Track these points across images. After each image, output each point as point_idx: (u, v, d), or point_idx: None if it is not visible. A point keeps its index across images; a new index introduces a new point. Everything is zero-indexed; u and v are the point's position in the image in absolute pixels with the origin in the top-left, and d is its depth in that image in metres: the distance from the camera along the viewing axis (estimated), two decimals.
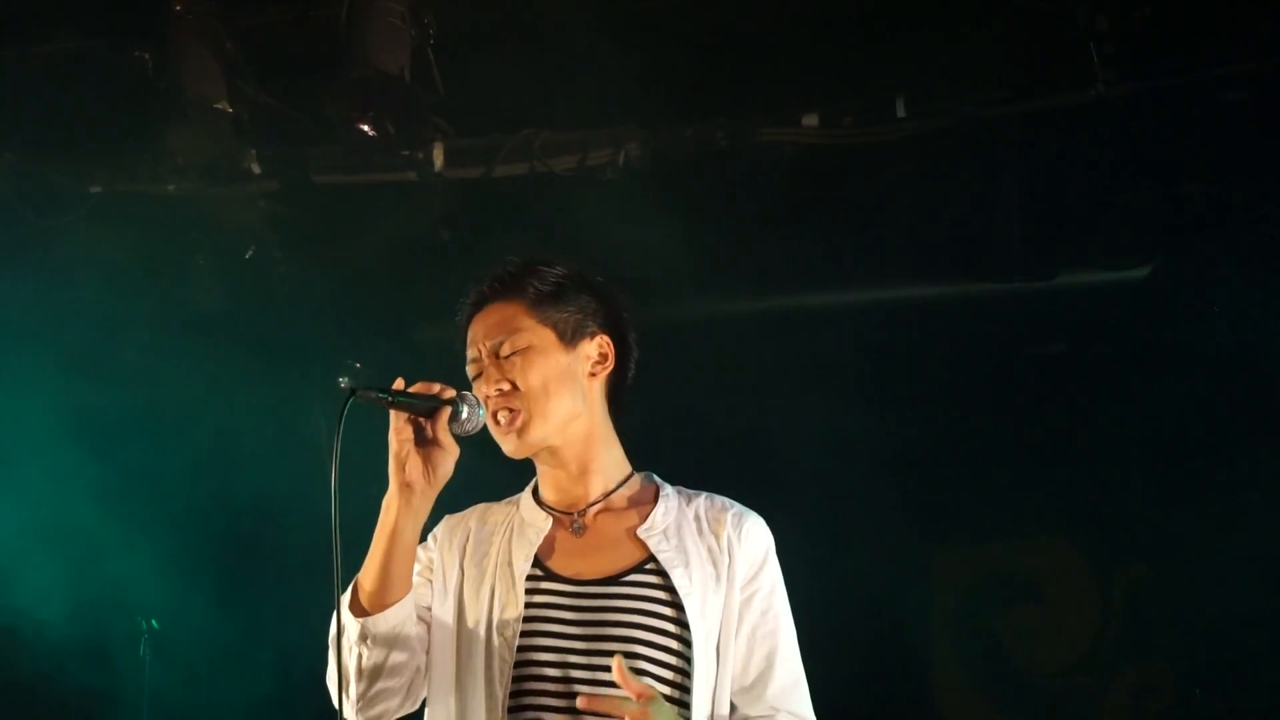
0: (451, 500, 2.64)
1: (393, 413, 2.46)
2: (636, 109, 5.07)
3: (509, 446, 2.58)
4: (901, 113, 4.80)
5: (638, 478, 2.69)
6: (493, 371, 2.56)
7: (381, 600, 2.47)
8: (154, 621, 5.43)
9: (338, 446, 2.40)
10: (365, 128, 4.77)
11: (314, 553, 5.83)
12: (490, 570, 2.57)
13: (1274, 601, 5.07)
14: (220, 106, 4.88)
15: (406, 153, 5.00)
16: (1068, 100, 4.61)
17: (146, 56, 4.84)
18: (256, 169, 5.22)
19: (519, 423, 2.55)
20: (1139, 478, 5.38)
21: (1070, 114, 4.66)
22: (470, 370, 2.62)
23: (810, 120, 4.90)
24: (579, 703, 2.38)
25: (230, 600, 5.87)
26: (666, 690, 2.46)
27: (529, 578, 2.53)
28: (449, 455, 2.47)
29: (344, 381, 5.96)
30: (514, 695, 2.45)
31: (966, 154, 4.93)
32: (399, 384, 2.46)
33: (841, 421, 5.60)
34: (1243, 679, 5.20)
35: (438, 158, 5.10)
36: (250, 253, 5.51)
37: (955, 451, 5.59)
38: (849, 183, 5.01)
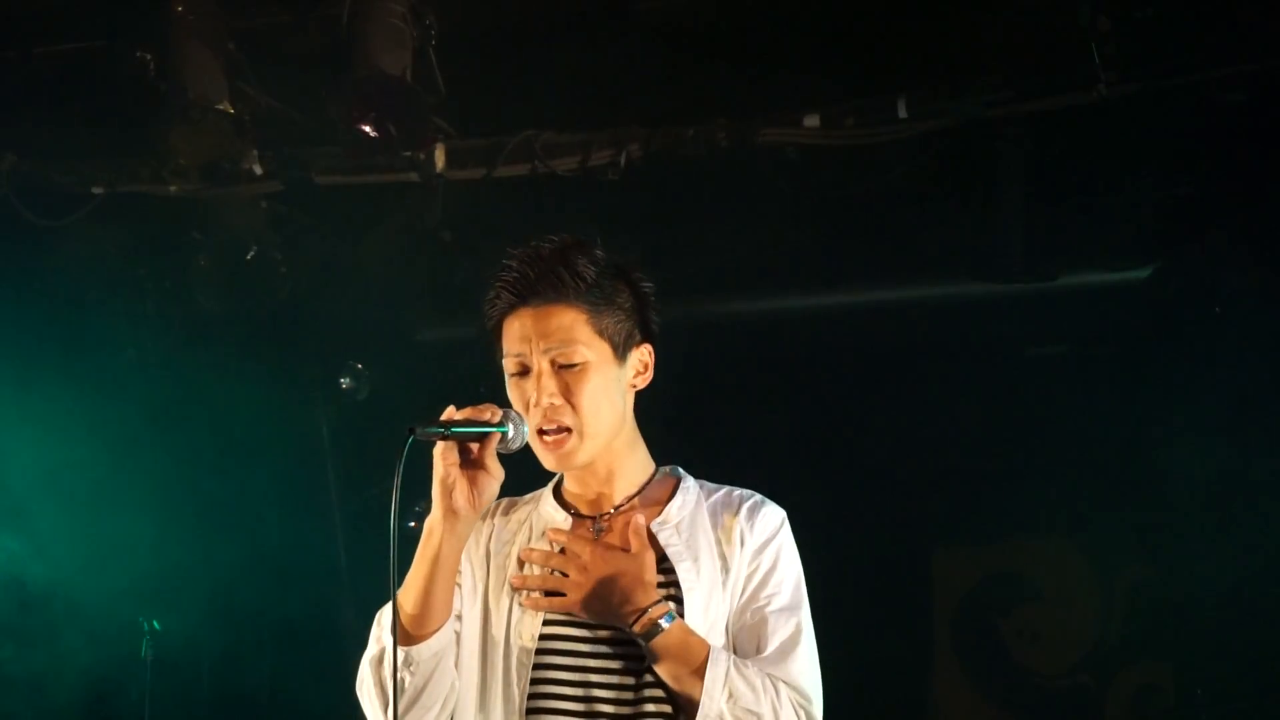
0: None
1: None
2: (637, 109, 5.07)
3: (551, 463, 2.54)
4: (903, 113, 4.79)
5: (662, 474, 2.67)
6: (548, 382, 2.48)
7: (423, 626, 2.44)
8: (155, 622, 5.42)
9: (398, 485, 2.33)
10: (367, 128, 4.77)
11: (314, 552, 5.87)
12: (511, 572, 2.56)
13: (1275, 601, 5.07)
14: (222, 107, 4.88)
15: (408, 153, 5.00)
16: (1069, 101, 4.61)
17: (148, 57, 4.85)
18: (258, 170, 5.22)
19: (568, 446, 2.50)
20: (1139, 478, 5.38)
21: (1071, 114, 4.66)
22: (511, 365, 2.53)
23: (811, 121, 4.90)
24: (511, 580, 2.50)
25: (230, 600, 5.87)
26: None
27: None
28: (495, 479, 2.43)
29: (345, 382, 5.96)
30: (532, 698, 2.46)
31: (967, 154, 4.93)
32: (450, 412, 2.40)
33: (841, 421, 5.61)
34: (1243, 679, 5.20)
35: (439, 158, 5.11)
36: (252, 253, 5.51)
37: (956, 452, 5.59)
38: (850, 183, 5.01)
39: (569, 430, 2.50)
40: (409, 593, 2.45)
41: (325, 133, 5.02)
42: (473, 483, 2.42)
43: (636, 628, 2.42)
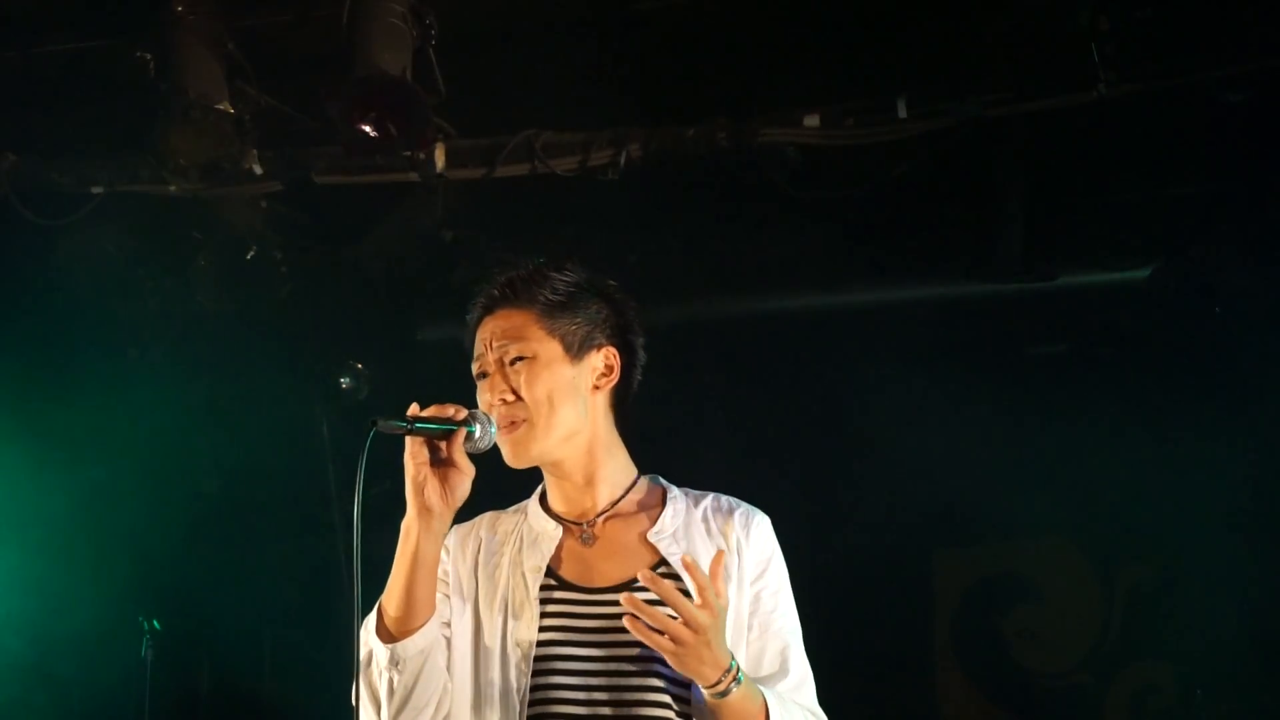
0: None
1: (409, 438, 2.46)
2: (637, 109, 5.07)
3: (508, 454, 2.58)
4: (903, 113, 4.78)
5: (644, 481, 2.69)
6: (498, 380, 2.56)
7: (408, 625, 2.47)
8: (155, 622, 5.43)
9: (360, 477, 2.38)
10: (367, 128, 4.75)
11: (314, 552, 5.88)
12: (503, 581, 2.58)
13: (1275, 601, 5.08)
14: (222, 107, 4.87)
15: (408, 153, 4.99)
16: (1068, 100, 4.60)
17: (148, 57, 4.83)
18: (258, 169, 5.21)
19: (520, 433, 2.55)
20: (1139, 477, 5.39)
21: (1071, 114, 4.66)
22: (475, 368, 2.62)
23: (811, 120, 4.89)
24: (622, 599, 2.37)
25: (230, 600, 5.87)
26: (680, 691, 2.48)
27: (542, 587, 2.55)
28: (465, 476, 2.47)
29: (345, 382, 5.97)
30: (533, 705, 2.47)
31: (967, 154, 4.93)
32: (414, 409, 2.46)
33: (842, 421, 5.61)
34: (1243, 679, 5.20)
35: (439, 158, 5.10)
36: (252, 253, 5.51)
37: (956, 451, 5.59)
38: (850, 183, 5.01)
39: (523, 421, 2.55)
40: (391, 593, 2.49)
41: (326, 133, 5.01)
42: (444, 480, 2.46)
43: (719, 687, 2.39)
